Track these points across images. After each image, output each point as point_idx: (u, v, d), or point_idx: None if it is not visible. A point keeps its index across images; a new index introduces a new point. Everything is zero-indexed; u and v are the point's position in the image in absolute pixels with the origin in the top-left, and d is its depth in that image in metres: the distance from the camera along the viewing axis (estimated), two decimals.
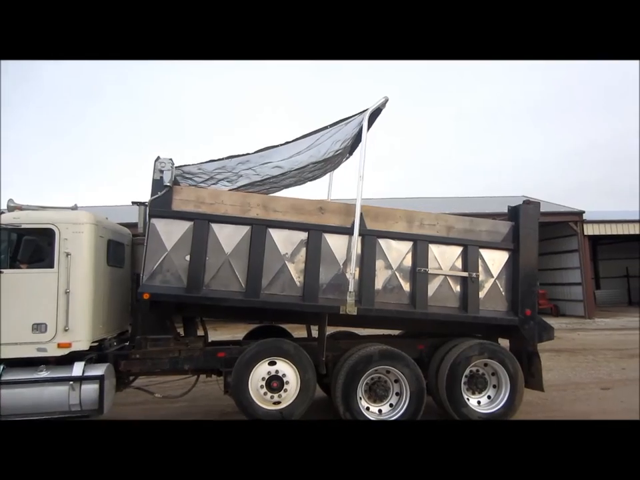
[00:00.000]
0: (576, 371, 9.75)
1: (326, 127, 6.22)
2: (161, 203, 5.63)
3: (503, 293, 6.48)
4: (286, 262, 5.84)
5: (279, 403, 5.66)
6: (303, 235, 5.89)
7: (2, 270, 5.34)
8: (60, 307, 5.46)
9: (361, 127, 6.13)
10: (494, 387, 6.37)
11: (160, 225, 5.63)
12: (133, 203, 7.01)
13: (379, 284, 6.01)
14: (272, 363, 5.73)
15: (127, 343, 6.59)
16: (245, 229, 5.77)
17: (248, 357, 5.68)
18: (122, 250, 6.76)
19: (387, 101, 6.19)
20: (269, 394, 5.62)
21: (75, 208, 5.95)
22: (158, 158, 5.77)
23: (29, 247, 5.68)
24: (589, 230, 19.84)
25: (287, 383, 5.68)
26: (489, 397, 6.35)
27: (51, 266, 5.51)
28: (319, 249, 5.88)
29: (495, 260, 6.48)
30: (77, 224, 5.60)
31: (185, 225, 5.66)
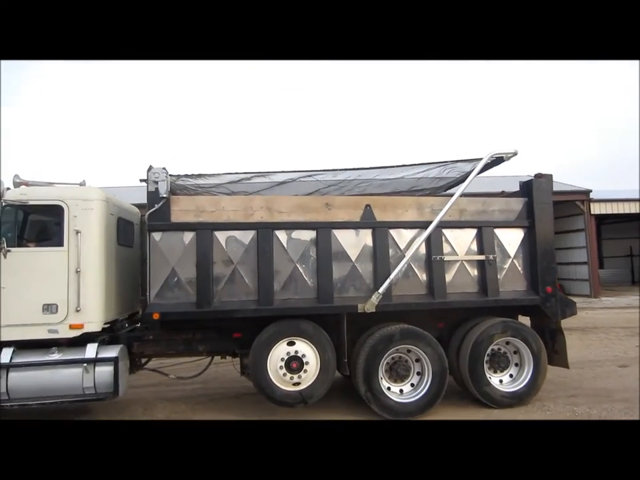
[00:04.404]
0: (590, 349, 9.68)
1: (446, 162, 6.28)
2: (160, 215, 5.37)
3: (522, 273, 6.30)
4: (296, 264, 5.62)
5: (298, 384, 5.51)
6: (312, 234, 5.67)
7: (10, 249, 5.12)
8: (71, 287, 5.26)
9: (474, 167, 6.16)
10: (516, 365, 6.24)
11: (160, 239, 5.38)
12: (141, 180, 6.75)
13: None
14: (291, 343, 5.56)
15: (139, 325, 6.44)
16: (250, 234, 5.55)
17: (266, 337, 5.51)
18: (132, 229, 6.55)
19: (515, 154, 6.15)
20: (289, 375, 5.47)
21: (83, 184, 5.70)
22: (150, 168, 5.48)
23: (36, 224, 5.47)
24: (596, 209, 19.65)
25: (307, 363, 5.52)
26: (510, 376, 6.22)
27: (60, 244, 5.29)
28: (329, 246, 5.66)
29: (511, 239, 6.27)
30: (87, 200, 5.36)
31: (188, 236, 5.43)
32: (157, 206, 5.35)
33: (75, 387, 5.18)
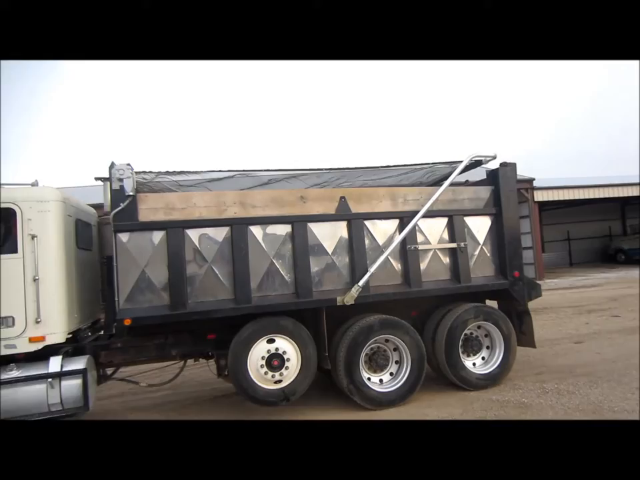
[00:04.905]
0: (545, 328, 10.21)
1: (427, 164, 6.38)
2: (126, 215, 5.04)
3: (491, 258, 6.50)
4: (273, 259, 5.48)
5: (280, 381, 5.39)
6: (287, 228, 5.55)
7: None
8: (29, 297, 4.83)
9: (453, 169, 6.37)
10: (487, 348, 6.45)
11: (128, 239, 5.05)
12: (96, 178, 6.33)
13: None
14: (270, 341, 5.41)
15: (102, 332, 6.05)
16: (224, 231, 5.34)
17: (245, 336, 5.34)
18: (90, 231, 6.13)
19: (494, 157, 6.43)
20: (270, 373, 5.33)
21: (35, 184, 5.24)
22: (113, 165, 5.11)
23: None
24: (538, 196, 20.77)
25: (288, 360, 5.40)
26: (482, 359, 6.43)
27: (14, 251, 4.84)
28: (305, 240, 5.56)
29: (480, 226, 6.46)
30: (42, 202, 4.93)
31: (158, 236, 5.14)
32: (122, 205, 5.01)
33: (39, 405, 4.76)
